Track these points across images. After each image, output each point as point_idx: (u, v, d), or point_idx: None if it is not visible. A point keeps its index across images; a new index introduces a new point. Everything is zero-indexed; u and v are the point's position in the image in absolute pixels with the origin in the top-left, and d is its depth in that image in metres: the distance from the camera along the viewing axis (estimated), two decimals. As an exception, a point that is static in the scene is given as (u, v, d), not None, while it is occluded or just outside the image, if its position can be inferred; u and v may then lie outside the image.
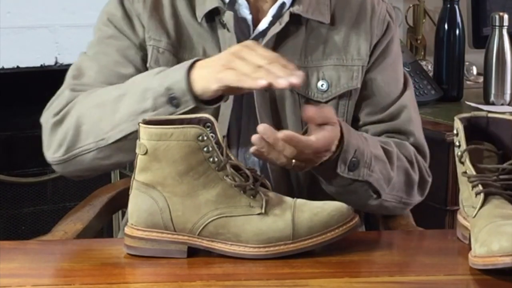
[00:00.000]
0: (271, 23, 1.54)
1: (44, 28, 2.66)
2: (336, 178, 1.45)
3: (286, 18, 1.53)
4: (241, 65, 1.34)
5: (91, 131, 1.46)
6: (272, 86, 1.30)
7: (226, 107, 1.51)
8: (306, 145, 1.33)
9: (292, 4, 1.54)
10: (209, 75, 1.36)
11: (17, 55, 2.62)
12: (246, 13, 1.55)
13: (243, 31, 1.55)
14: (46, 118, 1.53)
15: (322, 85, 1.55)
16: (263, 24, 1.55)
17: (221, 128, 1.43)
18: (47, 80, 2.65)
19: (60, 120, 1.50)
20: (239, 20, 1.55)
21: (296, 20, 1.54)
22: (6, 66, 2.61)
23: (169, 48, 1.54)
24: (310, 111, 1.36)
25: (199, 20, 1.53)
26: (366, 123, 1.60)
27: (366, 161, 1.45)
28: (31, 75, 2.66)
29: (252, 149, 1.33)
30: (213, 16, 1.54)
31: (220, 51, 1.51)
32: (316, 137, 1.35)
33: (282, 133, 1.31)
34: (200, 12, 1.53)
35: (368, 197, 1.50)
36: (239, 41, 1.51)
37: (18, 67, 2.63)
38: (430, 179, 1.62)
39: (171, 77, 1.39)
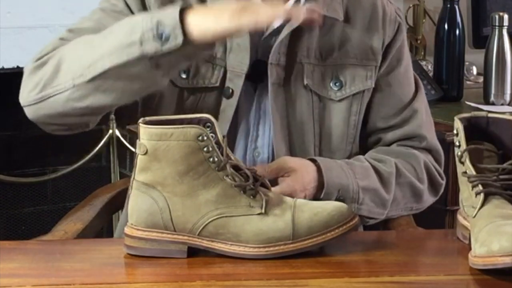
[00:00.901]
0: (286, 20, 1.54)
1: (44, 28, 2.66)
2: None
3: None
4: (256, 9, 1.33)
5: (71, 68, 1.41)
6: (291, 16, 1.32)
7: (230, 105, 1.51)
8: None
9: (306, 1, 1.54)
10: (216, 17, 1.33)
11: (17, 55, 2.62)
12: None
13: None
14: (28, 65, 1.49)
15: (336, 83, 1.56)
16: (277, 21, 1.54)
17: (222, 127, 1.44)
18: (47, 80, 2.65)
19: (41, 64, 1.45)
20: None
21: None
22: (6, 66, 2.61)
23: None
24: (259, 172, 1.34)
25: None
26: (379, 129, 1.61)
27: (353, 197, 1.48)
28: (31, 75, 2.66)
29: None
30: None
31: (225, 48, 1.51)
32: (273, 189, 1.37)
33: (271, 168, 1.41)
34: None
35: (365, 223, 1.54)
36: (252, 38, 1.51)
37: (18, 67, 2.63)
38: (443, 181, 1.65)
39: (164, 12, 1.35)
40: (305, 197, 1.44)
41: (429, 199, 1.62)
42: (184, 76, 1.53)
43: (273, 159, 1.54)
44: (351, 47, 1.57)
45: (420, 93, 1.64)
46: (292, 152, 1.55)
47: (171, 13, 1.34)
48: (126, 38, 1.36)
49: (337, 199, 1.45)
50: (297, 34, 1.54)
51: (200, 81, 1.53)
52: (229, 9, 1.33)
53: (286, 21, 1.53)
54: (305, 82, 1.54)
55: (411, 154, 1.60)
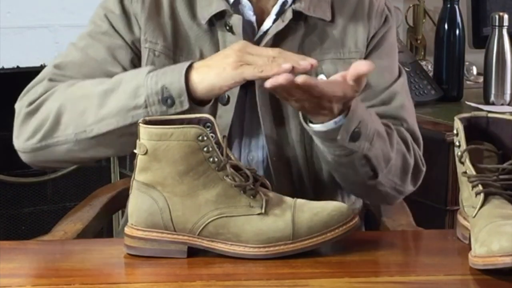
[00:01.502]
0: (274, 21, 1.54)
1: (44, 28, 2.66)
2: (334, 146, 1.42)
3: (289, 15, 1.53)
4: (254, 59, 1.35)
5: (72, 122, 1.44)
6: (295, 69, 1.31)
7: (227, 111, 1.51)
8: (332, 83, 1.34)
9: (293, 1, 1.54)
10: (219, 74, 1.36)
11: (17, 55, 2.62)
12: (250, 14, 1.54)
13: (247, 33, 1.54)
14: (20, 106, 1.51)
15: (321, 79, 1.55)
16: (267, 24, 1.55)
17: (223, 132, 1.43)
18: (47, 80, 2.65)
19: (35, 109, 1.48)
20: (245, 23, 1.54)
21: (297, 17, 1.54)
22: (6, 66, 2.61)
23: (165, 51, 1.53)
24: (364, 68, 1.33)
25: (203, 21, 1.52)
26: None
27: (368, 135, 1.43)
28: (31, 75, 2.65)
29: (268, 83, 1.31)
30: (215, 18, 1.53)
31: None
32: (343, 77, 1.34)
33: (300, 80, 1.30)
34: (206, 13, 1.52)
35: (364, 174, 1.48)
36: None
37: (18, 67, 2.63)
38: (424, 169, 1.60)
39: (168, 76, 1.38)
40: (332, 110, 1.38)
41: (409, 184, 1.58)
42: None
43: (267, 161, 1.54)
44: (333, 44, 1.57)
45: (402, 78, 1.62)
46: (282, 151, 1.54)
47: (176, 76, 1.38)
48: (131, 100, 1.40)
49: (354, 131, 1.41)
50: (281, 36, 1.54)
51: None
52: (229, 63, 1.36)
53: (275, 22, 1.53)
54: None
55: (400, 129, 1.57)
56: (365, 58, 1.58)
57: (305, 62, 1.33)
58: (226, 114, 1.51)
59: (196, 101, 1.38)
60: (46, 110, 1.47)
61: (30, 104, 1.49)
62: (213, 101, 1.42)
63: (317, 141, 1.45)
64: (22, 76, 2.64)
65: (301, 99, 1.34)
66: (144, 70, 1.43)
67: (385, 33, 1.61)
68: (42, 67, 2.64)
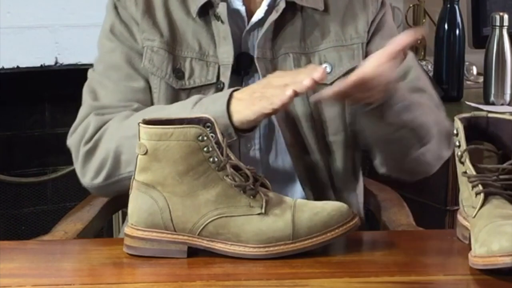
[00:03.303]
0: (267, 13, 1.56)
1: (44, 28, 2.66)
2: (384, 123, 1.47)
3: (282, 5, 1.55)
4: (271, 92, 1.38)
5: (132, 161, 1.44)
6: (297, 92, 1.35)
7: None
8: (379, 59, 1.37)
9: None
10: (246, 108, 1.40)
11: (17, 55, 2.62)
12: (238, 4, 1.57)
13: (237, 23, 1.56)
14: (76, 145, 1.55)
15: (326, 68, 1.56)
16: (258, 14, 1.56)
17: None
18: (47, 80, 2.66)
19: (93, 147, 1.52)
20: (233, 12, 1.56)
21: (291, 8, 1.57)
22: (6, 66, 2.61)
23: (163, 46, 1.55)
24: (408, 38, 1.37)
25: (194, 14, 1.55)
26: None
27: (410, 107, 1.48)
28: (31, 75, 2.65)
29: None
30: (206, 10, 1.55)
31: (215, 44, 1.54)
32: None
33: (352, 79, 1.35)
34: (194, 6, 1.55)
35: (411, 146, 1.53)
36: (233, 33, 1.54)
37: (18, 67, 2.63)
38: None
39: (211, 110, 1.40)
40: (383, 93, 1.43)
41: (447, 150, 1.63)
42: (180, 79, 1.55)
43: (266, 150, 1.56)
44: (333, 30, 1.59)
45: (410, 53, 1.64)
46: (289, 140, 1.56)
47: (219, 108, 1.40)
48: None
49: (401, 105, 1.45)
50: (279, 26, 1.56)
51: (196, 80, 1.55)
52: (261, 97, 1.39)
53: (267, 14, 1.55)
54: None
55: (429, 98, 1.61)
56: (368, 42, 1.61)
57: (306, 81, 1.35)
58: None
59: (242, 129, 1.41)
60: (105, 149, 1.51)
61: (87, 142, 1.53)
62: (215, 89, 1.49)
63: (367, 122, 1.49)
64: (22, 76, 2.65)
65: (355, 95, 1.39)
66: (188, 105, 1.46)
67: (383, 15, 1.64)
68: (42, 67, 2.65)
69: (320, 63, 1.57)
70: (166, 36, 1.55)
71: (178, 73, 1.55)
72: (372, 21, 1.62)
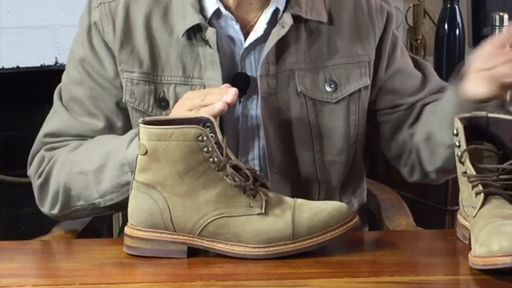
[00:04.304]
0: (266, 30, 1.50)
1: (44, 28, 2.66)
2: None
3: (289, 21, 1.50)
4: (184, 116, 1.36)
5: (81, 196, 1.50)
6: (211, 114, 1.31)
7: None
8: None
9: (286, 7, 1.51)
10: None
11: (17, 55, 2.62)
12: (233, 24, 1.50)
13: (230, 45, 1.52)
14: (32, 177, 1.58)
15: (330, 85, 1.54)
16: (257, 32, 1.51)
17: None
18: (47, 80, 2.65)
19: (44, 181, 1.55)
20: (224, 36, 1.51)
21: (296, 22, 1.51)
22: (6, 66, 2.61)
23: (144, 77, 1.50)
24: None
25: (180, 35, 1.49)
26: (415, 101, 1.60)
27: None
28: (31, 75, 2.65)
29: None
30: (193, 31, 1.50)
31: (200, 66, 1.49)
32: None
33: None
34: (181, 27, 1.49)
35: None
36: (227, 53, 1.50)
37: (18, 67, 2.63)
38: None
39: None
40: None
41: None
42: (164, 109, 1.51)
43: (266, 171, 1.52)
44: (340, 46, 1.55)
45: (420, 59, 1.66)
46: (290, 161, 1.53)
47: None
48: (121, 178, 1.44)
49: None
50: (284, 42, 1.51)
51: None
52: (184, 112, 1.38)
53: (268, 31, 1.50)
54: (299, 89, 1.51)
55: None
56: (388, 64, 1.59)
57: (218, 105, 1.35)
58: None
59: None
60: (54, 184, 1.53)
61: (39, 176, 1.55)
62: None
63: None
64: (22, 76, 2.65)
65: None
66: (124, 143, 1.44)
67: (393, 31, 1.61)
68: (42, 67, 2.66)
69: (326, 81, 1.53)
70: (146, 64, 1.50)
71: (162, 103, 1.51)
72: (381, 39, 1.58)
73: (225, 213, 1.26)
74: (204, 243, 1.27)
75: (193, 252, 1.27)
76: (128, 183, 1.38)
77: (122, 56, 1.50)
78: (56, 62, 2.67)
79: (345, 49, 1.55)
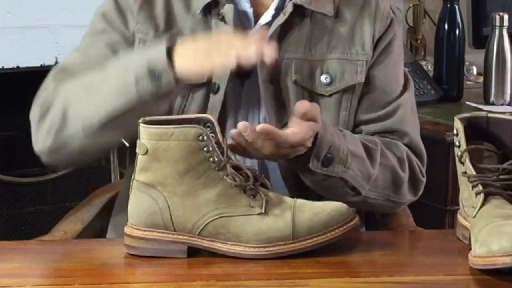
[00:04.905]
0: (274, 16, 1.54)
1: (44, 28, 2.66)
2: (309, 172, 1.45)
3: (289, 8, 1.53)
4: (216, 53, 1.36)
5: (78, 115, 1.47)
6: (242, 58, 1.32)
7: (217, 102, 1.52)
8: (283, 139, 1.35)
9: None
10: (187, 61, 1.39)
11: (17, 55, 2.62)
12: (246, 6, 1.55)
13: (243, 24, 1.55)
14: (33, 112, 1.54)
15: (326, 79, 1.55)
16: (265, 17, 1.54)
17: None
18: (47, 80, 2.65)
19: (45, 111, 1.51)
20: (239, 13, 1.55)
21: (300, 12, 1.54)
22: (6, 66, 2.61)
23: (156, 41, 1.52)
24: (305, 106, 1.37)
25: (198, 12, 1.53)
26: (361, 121, 1.59)
27: (342, 158, 1.45)
28: (31, 75, 2.65)
29: (228, 141, 1.33)
30: (209, 8, 1.54)
31: None
32: (293, 131, 1.37)
33: (260, 127, 1.33)
34: (200, 3, 1.53)
35: (345, 194, 1.49)
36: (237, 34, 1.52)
37: (18, 67, 2.63)
38: (424, 179, 1.60)
39: (152, 50, 1.41)
40: (305, 147, 1.41)
41: (407, 194, 1.58)
42: None
43: (263, 170, 1.52)
44: (341, 41, 1.56)
45: (409, 91, 1.62)
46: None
47: (160, 55, 1.39)
48: (121, 81, 1.42)
49: (326, 156, 1.43)
50: (286, 29, 1.54)
51: None
52: (204, 49, 1.38)
53: (274, 17, 1.53)
54: (294, 78, 1.54)
55: (394, 143, 1.57)
56: (372, 66, 1.58)
57: (269, 50, 1.33)
58: (216, 104, 1.52)
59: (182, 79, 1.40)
60: (55, 110, 1.50)
61: (42, 106, 1.53)
62: (205, 91, 1.48)
63: (291, 167, 1.47)
64: (22, 76, 2.65)
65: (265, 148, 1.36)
66: (132, 52, 1.47)
67: (392, 39, 1.61)
68: (42, 67, 2.65)
69: (322, 73, 1.55)
70: (161, 30, 1.54)
71: None
72: (378, 40, 1.59)
73: (225, 213, 1.26)
74: (204, 243, 1.27)
75: (193, 252, 1.27)
76: (129, 87, 1.40)
77: (140, 17, 1.55)
78: (56, 62, 2.66)
79: (345, 45, 1.57)
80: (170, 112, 1.52)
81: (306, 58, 1.55)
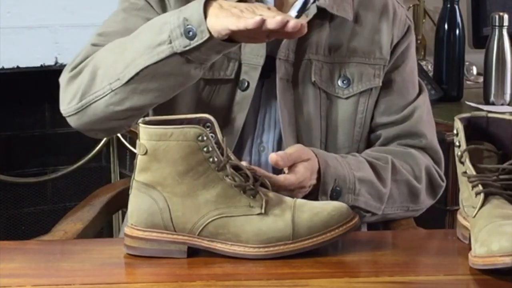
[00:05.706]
0: (296, 17, 1.54)
1: (44, 28, 2.66)
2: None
3: (313, 10, 1.54)
4: (247, 14, 1.34)
5: (106, 74, 1.45)
6: (265, 23, 1.30)
7: (245, 98, 1.52)
8: (275, 183, 1.36)
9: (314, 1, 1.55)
10: (220, 16, 1.35)
11: (17, 55, 2.62)
12: (270, 3, 1.55)
13: None
14: (63, 77, 1.52)
15: (343, 81, 1.57)
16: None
17: (238, 119, 1.51)
18: (47, 80, 2.66)
19: (78, 72, 1.49)
20: None
21: (321, 15, 1.56)
22: (6, 66, 2.61)
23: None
24: (272, 159, 1.39)
25: None
26: (379, 125, 1.62)
27: (350, 187, 1.48)
28: (31, 75, 2.66)
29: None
30: None
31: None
32: (284, 177, 1.39)
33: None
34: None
35: (362, 216, 1.52)
36: None
37: (18, 67, 2.63)
38: (443, 183, 1.66)
39: (189, 8, 1.38)
40: (309, 187, 1.44)
41: (426, 200, 1.62)
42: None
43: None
44: (359, 45, 1.59)
45: (424, 95, 1.66)
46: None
47: (196, 9, 1.37)
48: (156, 37, 1.39)
49: (333, 190, 1.46)
50: (307, 32, 1.54)
51: (215, 72, 1.55)
52: (237, 9, 1.35)
53: (297, 17, 1.54)
54: (313, 79, 1.56)
55: (409, 154, 1.60)
56: (390, 70, 1.61)
57: (278, 19, 1.30)
58: (245, 100, 1.53)
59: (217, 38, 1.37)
60: (85, 71, 1.48)
61: (73, 69, 1.51)
62: (232, 87, 1.50)
63: None
64: (22, 76, 2.65)
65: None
66: (162, 7, 1.46)
67: (408, 46, 1.64)
68: (42, 67, 2.66)
69: (340, 76, 1.57)
70: None
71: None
72: (396, 46, 1.62)
73: (225, 213, 1.26)
74: (204, 243, 1.27)
75: (193, 252, 1.27)
76: (161, 44, 1.37)
77: (176, 5, 1.50)
78: (56, 62, 2.67)
79: (364, 49, 1.59)
80: (199, 98, 1.52)
81: (325, 61, 1.57)
